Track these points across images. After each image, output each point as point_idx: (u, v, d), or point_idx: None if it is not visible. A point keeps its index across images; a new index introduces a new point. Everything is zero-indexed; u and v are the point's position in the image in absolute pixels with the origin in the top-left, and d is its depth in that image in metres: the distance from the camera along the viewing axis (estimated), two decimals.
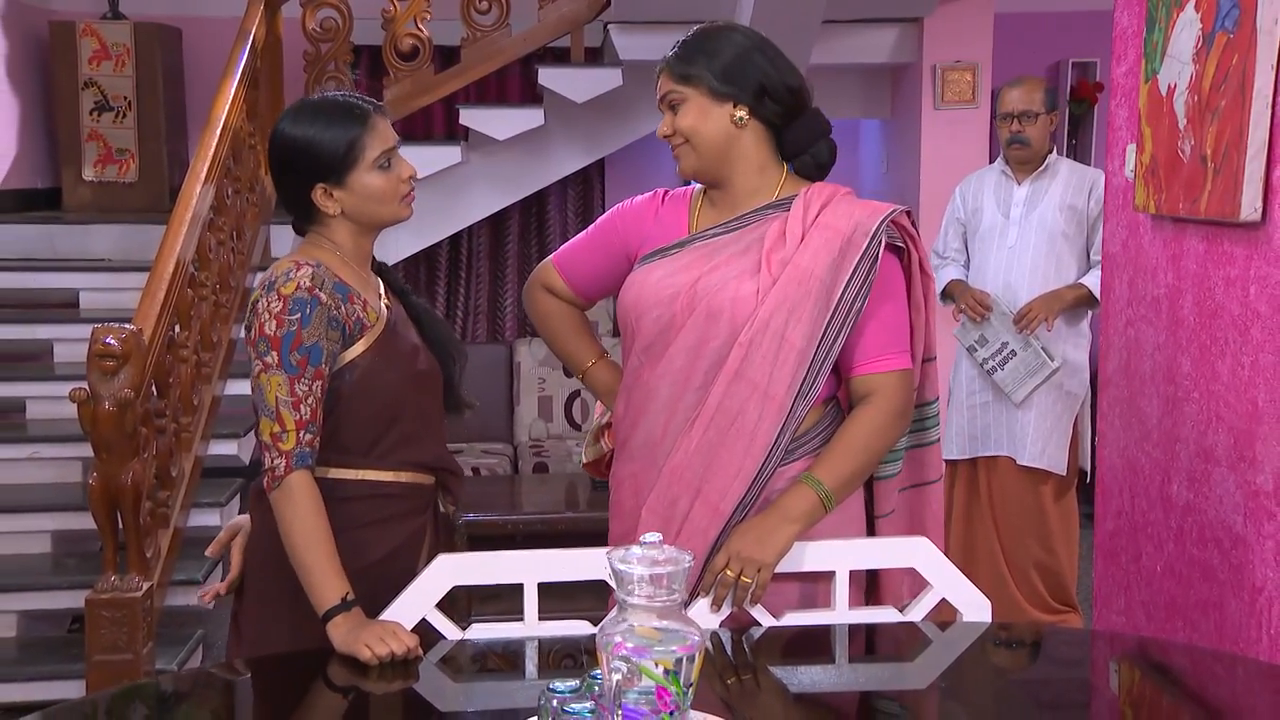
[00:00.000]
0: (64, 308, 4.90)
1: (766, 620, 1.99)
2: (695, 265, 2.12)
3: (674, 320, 2.09)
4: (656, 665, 1.33)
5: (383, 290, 2.21)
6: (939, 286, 4.25)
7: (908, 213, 2.16)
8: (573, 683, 1.39)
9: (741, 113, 2.10)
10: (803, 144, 2.16)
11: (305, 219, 2.16)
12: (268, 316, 2.01)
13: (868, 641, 2.09)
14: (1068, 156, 6.14)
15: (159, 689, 1.98)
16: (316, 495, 1.98)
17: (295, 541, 1.96)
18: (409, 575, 2.07)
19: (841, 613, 2.00)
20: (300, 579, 1.96)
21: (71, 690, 3.44)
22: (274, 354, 1.99)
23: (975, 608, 1.99)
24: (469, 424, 5.82)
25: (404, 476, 2.16)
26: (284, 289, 2.01)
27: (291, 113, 2.14)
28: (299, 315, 2.00)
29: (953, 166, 4.55)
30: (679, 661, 1.35)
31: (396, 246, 5.54)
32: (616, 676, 1.32)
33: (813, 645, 2.01)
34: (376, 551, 2.11)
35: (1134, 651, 2.17)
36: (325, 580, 1.93)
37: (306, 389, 1.99)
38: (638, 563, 1.36)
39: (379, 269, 2.26)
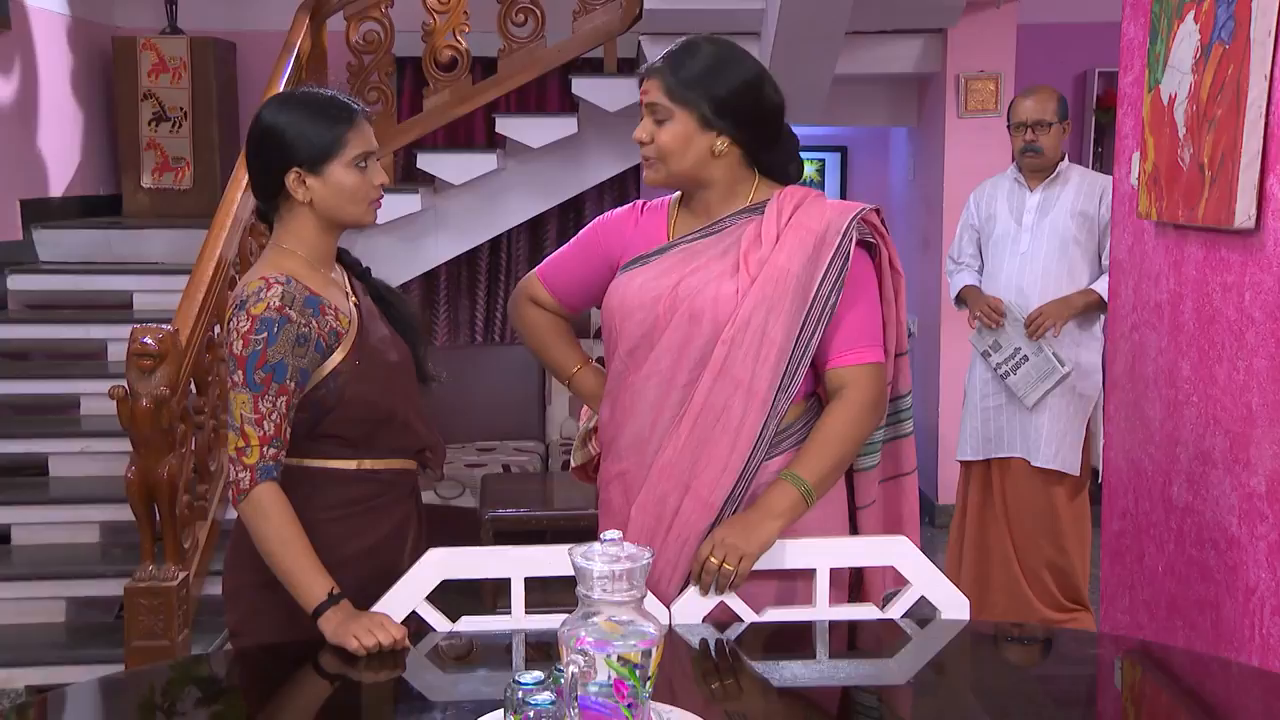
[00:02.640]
0: (119, 309, 4.98)
1: (749, 616, 1.98)
2: (675, 269, 2.13)
3: (657, 323, 2.11)
4: (616, 658, 1.33)
5: (347, 283, 2.20)
6: (953, 292, 4.24)
7: (877, 210, 2.17)
8: (538, 674, 1.39)
9: (722, 142, 2.10)
10: (778, 166, 2.20)
11: (273, 207, 2.13)
12: (235, 336, 2.00)
13: (847, 638, 2.07)
14: (1094, 165, 6.09)
15: (154, 676, 2.00)
16: (284, 503, 1.98)
17: (271, 549, 1.96)
18: (396, 562, 2.10)
19: (822, 609, 1.99)
20: (284, 584, 1.96)
21: None
22: (240, 372, 1.98)
23: (953, 606, 1.97)
24: (502, 422, 5.85)
25: (395, 464, 2.17)
26: (254, 309, 2.00)
27: (279, 99, 2.13)
28: (265, 335, 1.98)
29: (976, 173, 4.52)
30: (638, 655, 1.35)
31: (436, 250, 5.58)
32: (572, 669, 1.32)
33: (793, 641, 2.00)
34: (371, 536, 2.12)
35: (1105, 651, 2.16)
36: (309, 581, 1.93)
37: (270, 405, 1.98)
38: (598, 559, 1.36)
39: (339, 255, 2.23)
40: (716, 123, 2.08)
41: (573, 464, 2.44)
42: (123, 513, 3.90)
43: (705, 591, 1.98)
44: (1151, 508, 2.87)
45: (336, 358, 2.06)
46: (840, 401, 2.10)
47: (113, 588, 3.81)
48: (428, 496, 4.88)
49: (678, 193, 2.25)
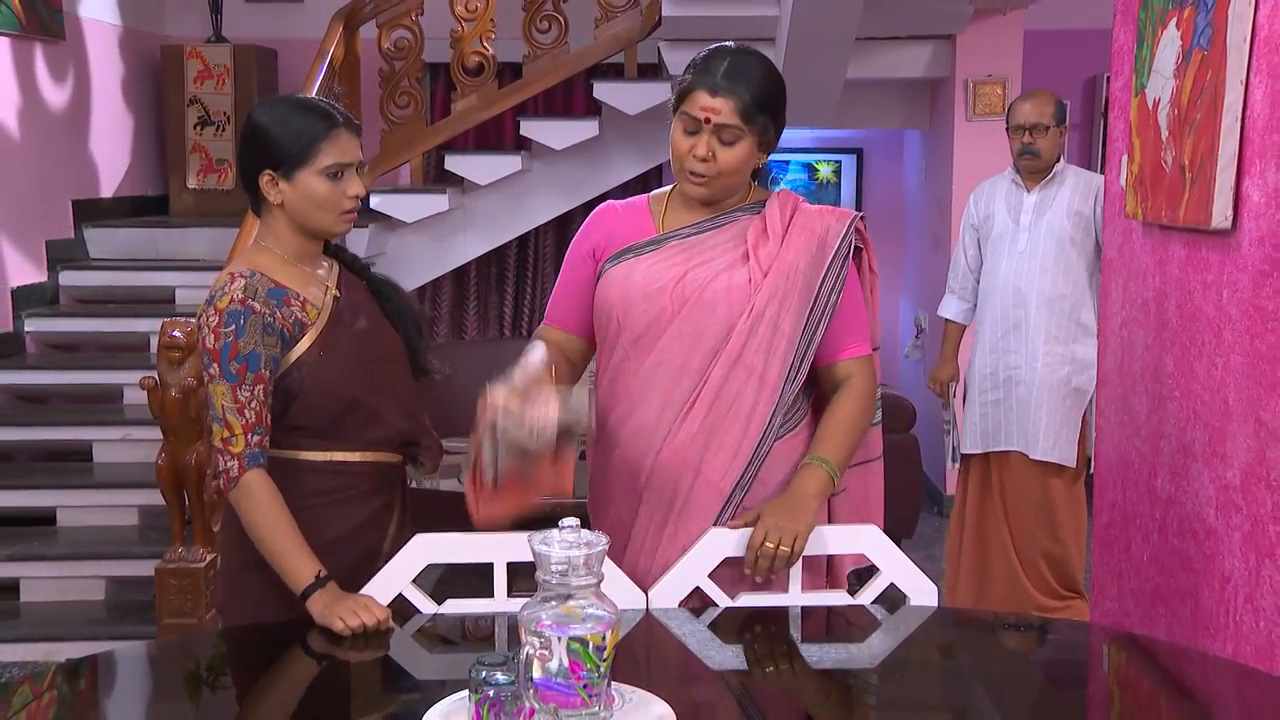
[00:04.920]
0: (162, 303, 5.05)
1: (723, 601, 1.98)
2: (679, 262, 2.12)
3: (663, 312, 2.09)
4: (573, 640, 1.33)
5: (335, 277, 2.18)
6: (940, 309, 4.42)
7: (863, 218, 2.20)
8: (503, 656, 1.39)
9: (763, 160, 2.14)
10: (763, 173, 2.23)
11: (256, 203, 2.13)
12: (207, 331, 2.01)
13: (819, 622, 2.07)
14: (1103, 168, 6.02)
15: (147, 653, 2.03)
16: (273, 489, 1.99)
17: (261, 535, 1.98)
18: (375, 550, 2.10)
19: (795, 595, 1.98)
20: (274, 567, 1.97)
21: None
22: (215, 366, 1.99)
23: (921, 592, 1.96)
24: None
25: (369, 456, 2.15)
26: (219, 304, 2.01)
27: (269, 100, 2.13)
28: (234, 327, 1.99)
29: (983, 175, 4.47)
30: (596, 637, 1.35)
31: (465, 248, 5.61)
32: (527, 650, 1.32)
33: (767, 625, 1.99)
34: (340, 527, 2.10)
35: (1067, 641, 2.15)
36: (297, 563, 1.94)
37: (249, 394, 1.99)
38: (556, 545, 1.36)
39: (335, 251, 2.23)
40: (770, 144, 2.11)
41: (477, 486, 1.92)
42: (160, 497, 3.96)
43: (763, 574, 1.98)
44: (1138, 499, 2.85)
45: (301, 347, 2.06)
46: (849, 390, 2.14)
47: (149, 568, 3.86)
48: (449, 484, 4.94)
49: (664, 189, 2.25)
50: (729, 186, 2.12)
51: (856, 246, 2.17)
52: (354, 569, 1.99)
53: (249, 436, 1.98)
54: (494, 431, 1.84)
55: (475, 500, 1.88)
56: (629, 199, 2.28)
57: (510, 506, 1.89)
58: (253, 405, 1.99)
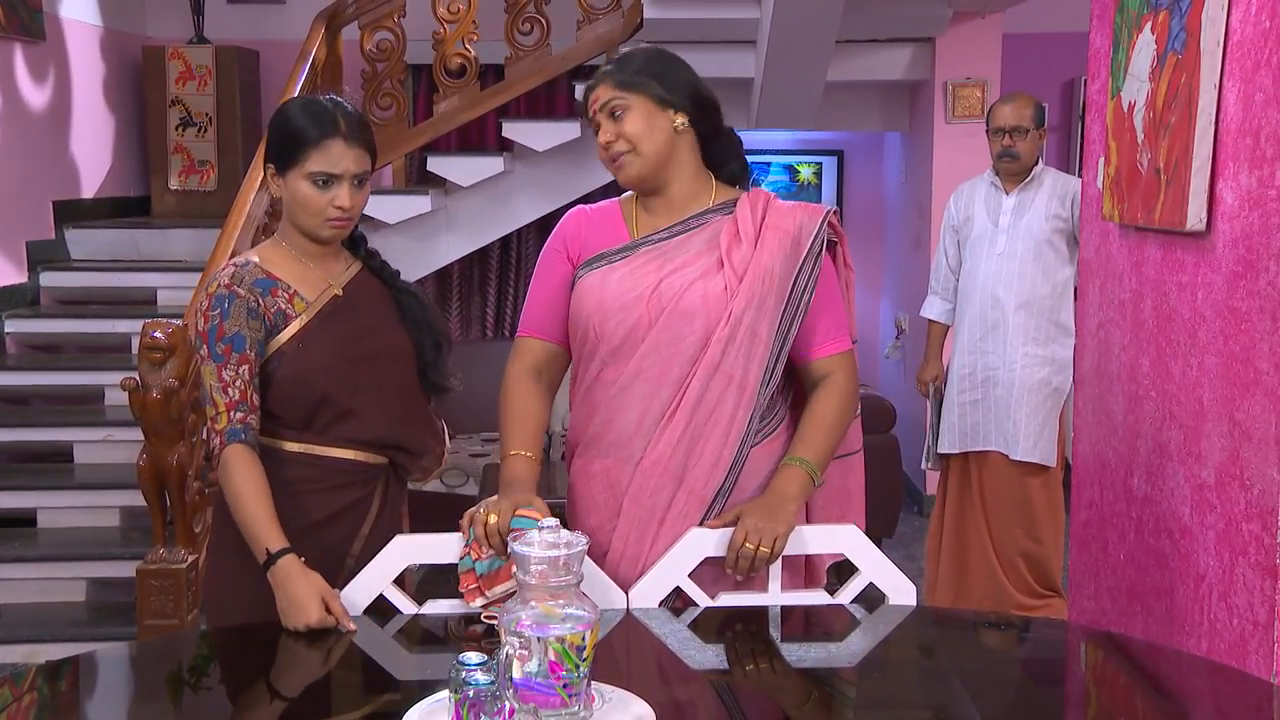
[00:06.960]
0: (143, 304, 5.03)
1: (703, 601, 1.98)
2: (652, 270, 2.10)
3: (640, 321, 2.08)
4: (553, 640, 1.33)
5: (348, 278, 2.20)
6: (923, 309, 4.38)
7: (836, 212, 2.20)
8: (483, 656, 1.39)
9: (681, 120, 2.11)
10: (724, 158, 2.20)
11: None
12: (198, 314, 2.09)
13: (798, 621, 2.07)
14: (1078, 170, 6.05)
15: (128, 654, 2.03)
16: (250, 464, 2.02)
17: (234, 505, 2.02)
18: (341, 548, 2.13)
19: (774, 595, 1.98)
20: (245, 536, 2.01)
21: None
22: (204, 347, 2.07)
23: (900, 591, 1.97)
24: None
25: (347, 453, 2.16)
26: (210, 289, 2.10)
27: (298, 98, 2.18)
28: (219, 310, 2.07)
29: (963, 177, 4.49)
30: (576, 637, 1.35)
31: (448, 249, 5.59)
32: (507, 649, 1.32)
33: (747, 625, 1.99)
34: (313, 515, 2.12)
35: (1040, 637, 2.16)
36: (259, 536, 1.98)
37: (233, 374, 2.05)
38: (537, 545, 1.36)
39: (366, 255, 2.26)
40: (670, 98, 2.10)
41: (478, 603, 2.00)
42: (141, 498, 3.95)
43: (743, 574, 1.98)
44: (1114, 499, 2.86)
45: (282, 338, 2.11)
46: (828, 388, 2.13)
47: (130, 569, 3.83)
48: (433, 485, 4.93)
49: (629, 193, 2.22)
50: (654, 159, 2.09)
51: (831, 240, 2.17)
52: (317, 564, 1.97)
53: (231, 414, 2.04)
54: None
55: (470, 593, 1.96)
56: (599, 203, 2.26)
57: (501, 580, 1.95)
58: (237, 384, 2.04)
